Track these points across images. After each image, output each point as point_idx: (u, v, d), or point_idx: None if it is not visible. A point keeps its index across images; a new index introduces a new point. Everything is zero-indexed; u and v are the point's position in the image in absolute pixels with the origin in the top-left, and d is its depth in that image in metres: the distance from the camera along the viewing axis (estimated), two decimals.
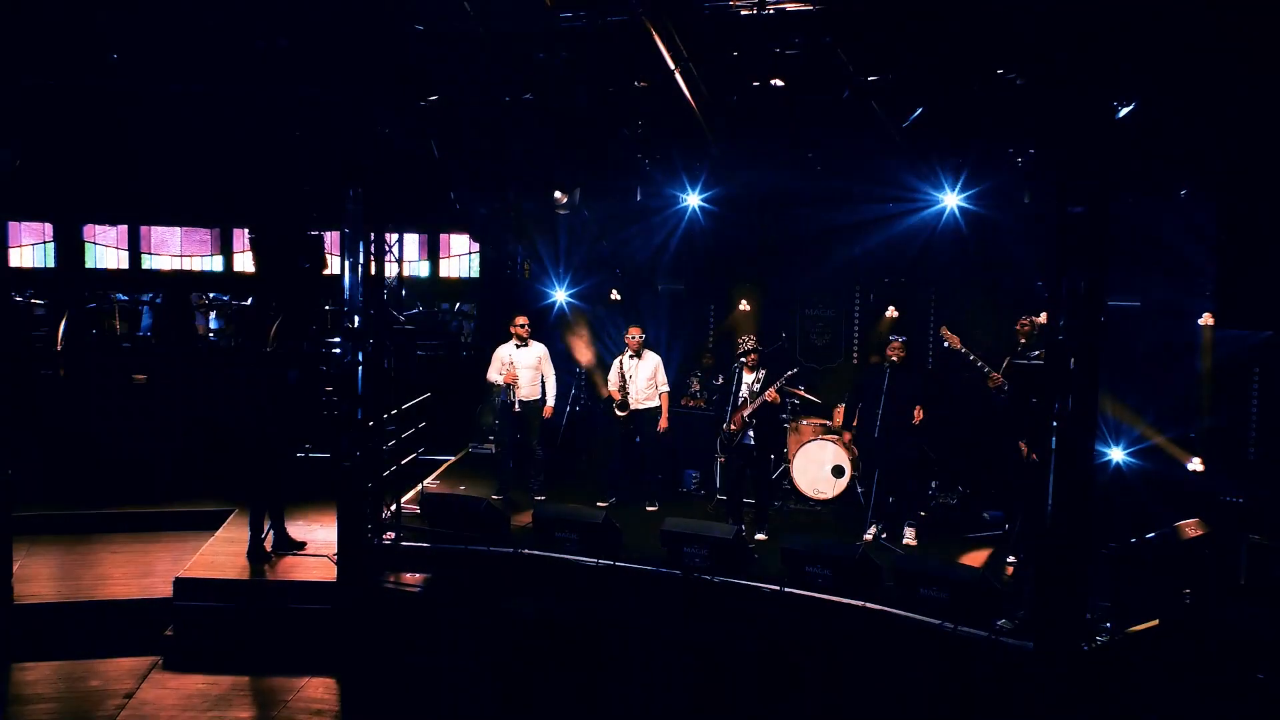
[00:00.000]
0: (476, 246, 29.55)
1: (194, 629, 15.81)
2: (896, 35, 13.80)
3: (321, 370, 20.55)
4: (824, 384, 20.45)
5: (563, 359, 20.33)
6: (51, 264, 29.38)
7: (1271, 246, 12.42)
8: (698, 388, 20.98)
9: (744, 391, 16.61)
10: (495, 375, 19.04)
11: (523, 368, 18.80)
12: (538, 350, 19.03)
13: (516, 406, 18.75)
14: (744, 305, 21.74)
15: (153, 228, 29.96)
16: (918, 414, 16.33)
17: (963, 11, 12.73)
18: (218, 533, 18.47)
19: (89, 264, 29.59)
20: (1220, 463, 16.23)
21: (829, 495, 18.62)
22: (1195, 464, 16.17)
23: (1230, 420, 17.04)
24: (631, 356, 18.51)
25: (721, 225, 19.97)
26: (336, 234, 17.33)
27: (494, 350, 19.20)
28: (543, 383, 19.02)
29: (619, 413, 18.51)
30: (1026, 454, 15.90)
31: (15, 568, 16.47)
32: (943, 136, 15.61)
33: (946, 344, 16.73)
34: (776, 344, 19.65)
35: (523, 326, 18.95)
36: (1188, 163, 14.79)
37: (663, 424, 18.54)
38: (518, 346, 18.92)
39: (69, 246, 29.05)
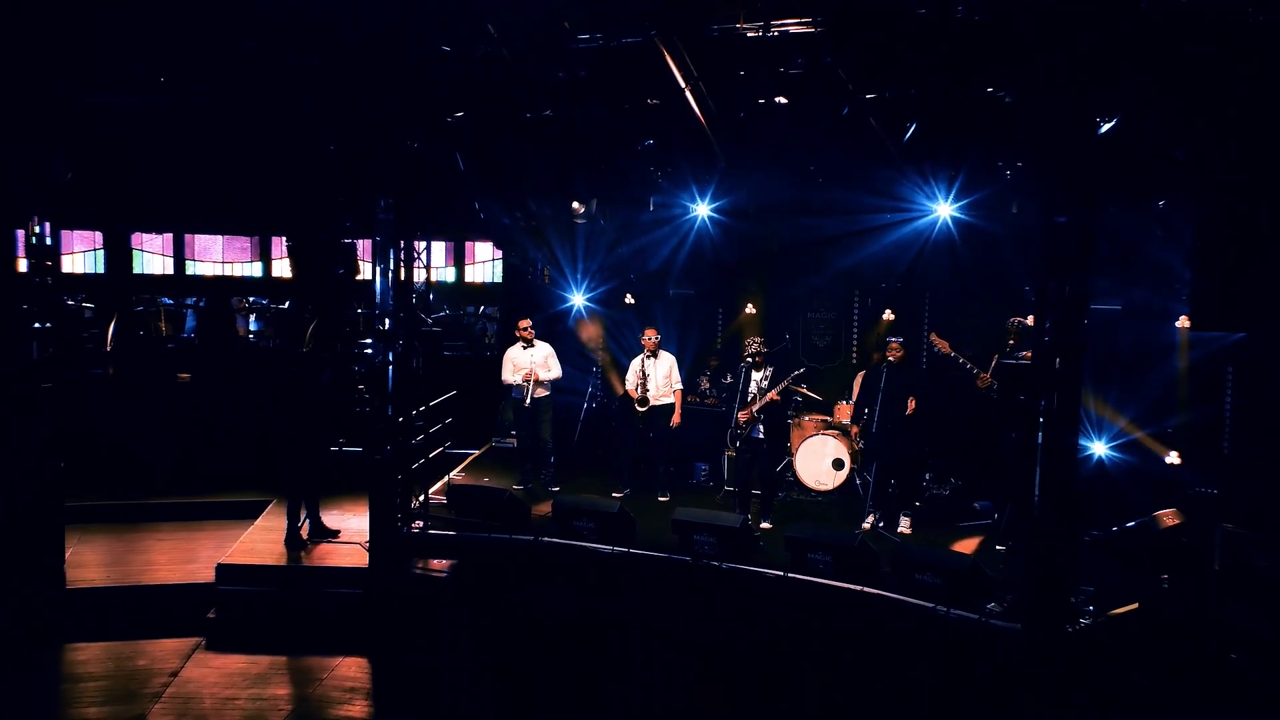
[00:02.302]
0: (499, 253, 29.60)
1: (235, 612, 15.87)
2: (893, 55, 13.83)
3: (354, 370, 20.60)
4: (825, 382, 20.49)
5: (580, 359, 20.34)
6: (101, 270, 29.48)
7: (1245, 254, 12.46)
8: (707, 386, 21.03)
9: (753, 389, 16.67)
10: (510, 376, 19.11)
11: (529, 367, 18.85)
12: (544, 350, 19.09)
13: (527, 402, 18.84)
14: (750, 308, 21.80)
15: (196, 236, 30.06)
16: (910, 404, 16.40)
17: (955, 33, 12.75)
18: (257, 522, 18.53)
19: (136, 270, 29.69)
20: (1196, 456, 16.28)
21: (830, 487, 18.65)
22: (1173, 457, 16.20)
23: (1206, 416, 17.10)
24: (648, 356, 18.56)
25: (729, 233, 20.01)
26: (368, 242, 17.33)
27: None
28: (548, 372, 19.11)
29: (639, 408, 18.54)
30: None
31: (68, 554, 16.53)
32: (936, 150, 15.65)
33: (937, 349, 16.81)
34: (781, 345, 19.71)
35: (526, 329, 19.03)
36: (1167, 175, 14.81)
37: (676, 420, 18.58)
38: (524, 348, 19.00)
39: (117, 253, 29.14)
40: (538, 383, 18.83)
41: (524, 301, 24.28)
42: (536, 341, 19.13)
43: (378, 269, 16.31)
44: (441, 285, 31.14)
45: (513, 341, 19.35)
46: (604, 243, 21.83)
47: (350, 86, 16.26)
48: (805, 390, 19.45)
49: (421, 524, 16.64)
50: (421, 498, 17.03)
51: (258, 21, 15.02)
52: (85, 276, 29.23)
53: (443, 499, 17.62)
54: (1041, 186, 12.66)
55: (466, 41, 15.08)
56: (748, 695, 13.45)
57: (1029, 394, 12.22)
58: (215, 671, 14.56)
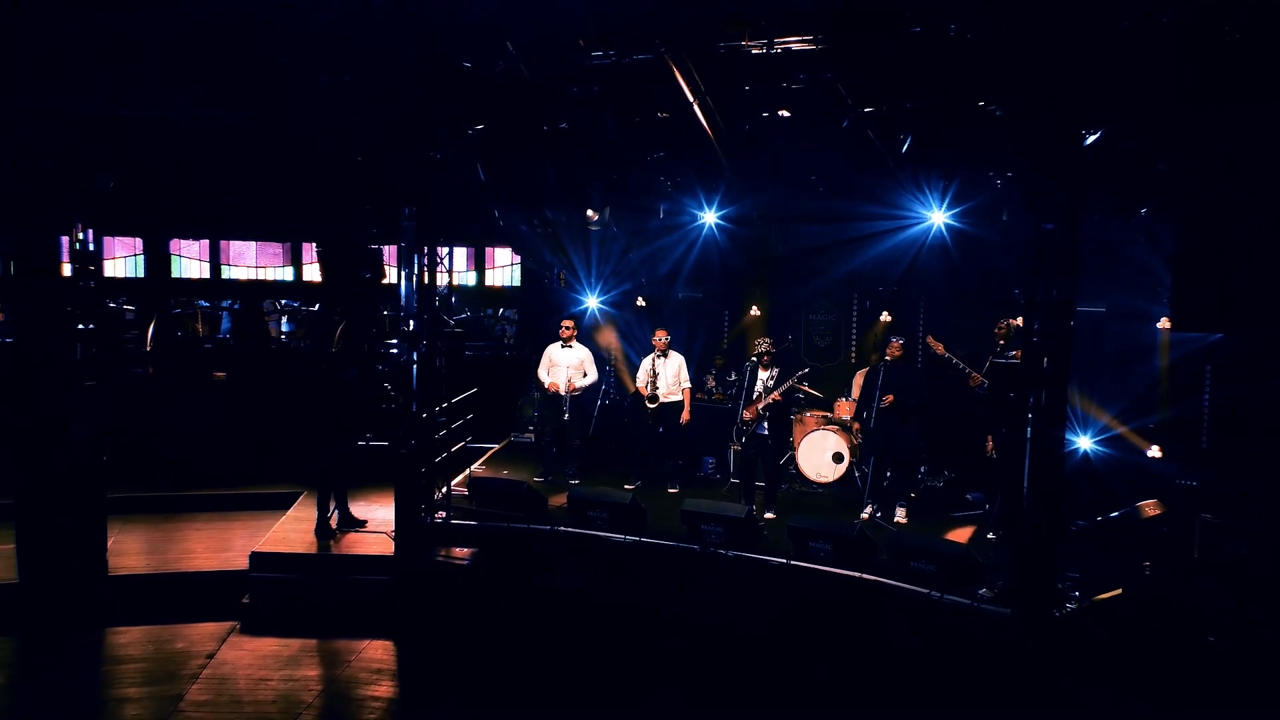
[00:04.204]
0: (518, 259, 29.58)
1: (268, 597, 15.92)
2: (890, 72, 13.87)
3: (380, 369, 20.62)
4: (825, 381, 20.49)
5: (593, 358, 20.38)
6: (141, 274, 29.49)
7: (1222, 259, 12.46)
8: (713, 384, 21.06)
9: (759, 387, 16.71)
10: (543, 373, 19.18)
11: (565, 366, 18.91)
12: (580, 352, 19.13)
13: (565, 407, 18.91)
14: (754, 310, 21.83)
15: (231, 242, 30.04)
16: (886, 399, 16.47)
17: (948, 50, 12.77)
18: (288, 512, 18.57)
19: (174, 274, 29.68)
20: (1177, 450, 16.29)
21: (830, 479, 18.67)
22: (1154, 451, 16.22)
23: (1186, 413, 17.12)
24: (659, 356, 18.60)
25: (734, 239, 20.07)
26: (394, 248, 17.41)
27: (539, 349, 19.41)
28: (585, 377, 19.14)
29: (649, 405, 18.58)
30: (990, 450, 16.13)
31: (110, 543, 16.61)
32: (931, 161, 15.68)
33: (932, 350, 16.86)
34: (784, 345, 19.68)
35: (566, 328, 19.08)
36: (1149, 185, 14.84)
37: (685, 416, 18.63)
38: (562, 347, 19.05)
39: (157, 258, 29.11)
40: (573, 387, 18.90)
41: (541, 304, 24.40)
42: (574, 343, 19.19)
43: (403, 273, 16.36)
44: (463, 289, 31.11)
45: (535, 342, 19.44)
46: (616, 248, 21.88)
47: (377, 101, 16.33)
48: (808, 388, 19.46)
49: (444, 514, 16.68)
50: (444, 489, 17.05)
51: (292, 40, 15.09)
52: (126, 280, 29.26)
53: (464, 491, 17.66)
54: (1030, 195, 12.69)
55: (486, 59, 15.15)
56: (752, 677, 13.50)
57: (1019, 392, 12.25)
58: (249, 654, 14.62)
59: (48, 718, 13.29)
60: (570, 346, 19.12)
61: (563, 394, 18.96)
